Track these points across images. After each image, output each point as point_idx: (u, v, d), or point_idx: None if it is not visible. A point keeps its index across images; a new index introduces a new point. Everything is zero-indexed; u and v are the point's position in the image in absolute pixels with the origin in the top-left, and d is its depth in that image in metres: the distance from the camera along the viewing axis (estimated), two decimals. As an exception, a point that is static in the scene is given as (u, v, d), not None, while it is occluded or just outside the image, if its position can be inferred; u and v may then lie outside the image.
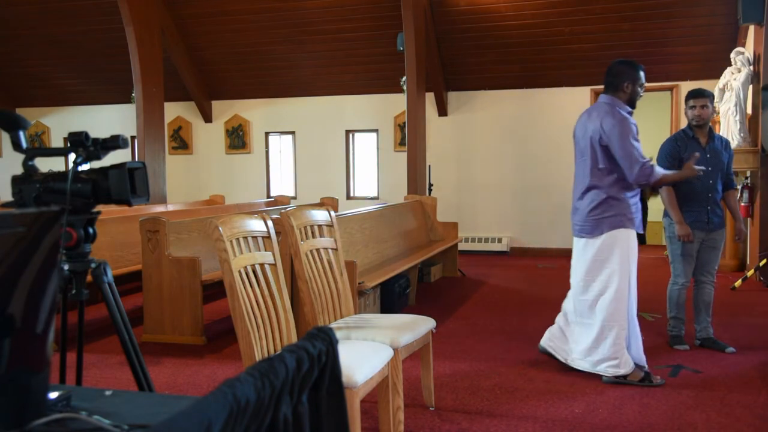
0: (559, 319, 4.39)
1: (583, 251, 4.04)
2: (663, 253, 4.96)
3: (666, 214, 4.65)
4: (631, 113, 3.94)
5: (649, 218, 9.09)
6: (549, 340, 4.43)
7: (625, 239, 3.89)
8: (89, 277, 2.06)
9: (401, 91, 9.28)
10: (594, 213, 3.91)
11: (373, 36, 9.52)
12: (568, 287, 4.31)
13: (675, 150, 4.54)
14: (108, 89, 11.30)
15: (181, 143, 11.55)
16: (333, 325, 3.26)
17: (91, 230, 2.02)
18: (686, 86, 9.15)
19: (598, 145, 3.85)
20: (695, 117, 4.57)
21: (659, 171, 3.89)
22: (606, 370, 3.95)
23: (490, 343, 4.93)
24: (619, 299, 3.90)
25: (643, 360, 3.97)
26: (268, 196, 10.87)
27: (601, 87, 4.08)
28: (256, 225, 2.86)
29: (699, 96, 4.59)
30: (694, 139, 4.57)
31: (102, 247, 5.69)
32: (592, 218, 3.92)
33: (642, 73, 3.96)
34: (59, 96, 11.77)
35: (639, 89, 3.94)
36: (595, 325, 3.99)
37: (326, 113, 10.80)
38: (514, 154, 10.01)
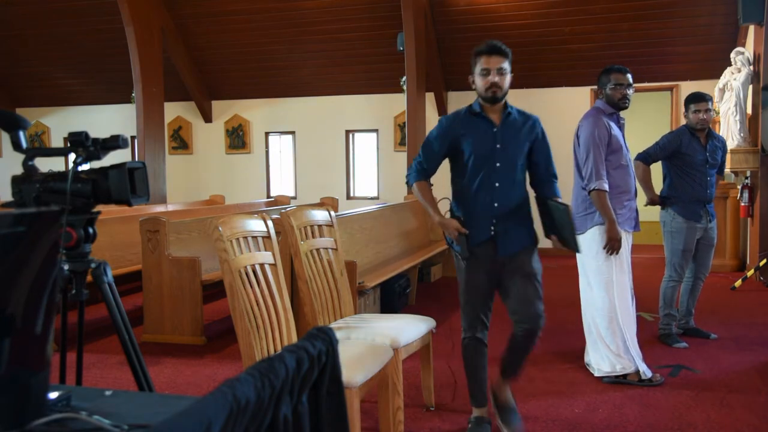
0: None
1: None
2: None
3: (664, 208, 4.75)
4: (615, 114, 3.99)
5: (642, 218, 9.09)
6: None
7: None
8: (89, 277, 2.06)
9: (401, 91, 9.28)
10: (580, 210, 3.99)
11: (372, 36, 9.52)
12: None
13: (674, 143, 4.70)
14: (108, 89, 11.30)
15: (181, 143, 11.55)
16: (333, 325, 3.26)
17: (91, 230, 2.02)
18: (686, 86, 9.14)
19: (577, 146, 4.01)
20: (700, 121, 4.67)
21: (605, 197, 3.82)
22: (605, 369, 3.96)
23: (490, 343, 4.90)
24: (613, 296, 3.90)
25: (639, 359, 3.95)
26: (268, 196, 10.87)
27: (601, 87, 4.13)
28: (256, 225, 2.86)
29: (701, 100, 4.69)
30: (695, 138, 4.72)
31: (102, 247, 5.68)
32: (579, 215, 4.00)
33: (615, 75, 3.92)
34: (59, 96, 11.77)
35: (613, 91, 3.93)
36: (593, 324, 4.00)
37: (326, 113, 10.80)
38: (514, 154, 10.01)
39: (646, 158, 4.76)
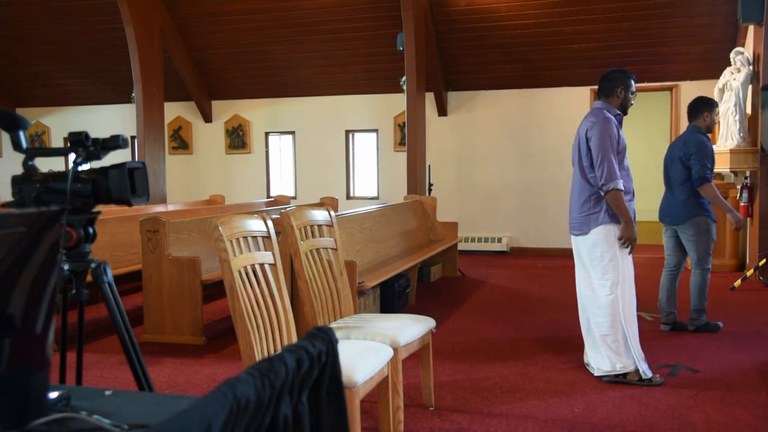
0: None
1: (577, 249, 4.09)
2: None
3: (700, 212, 4.89)
4: (620, 117, 4.04)
5: (638, 218, 9.08)
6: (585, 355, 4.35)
7: (615, 234, 3.91)
8: (89, 277, 2.06)
9: (401, 91, 9.28)
10: (584, 210, 3.98)
11: (373, 36, 9.52)
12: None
13: (710, 148, 4.94)
14: (108, 89, 11.30)
15: (181, 143, 11.55)
16: (333, 325, 3.26)
17: (91, 230, 2.02)
18: (686, 86, 9.16)
19: (585, 146, 3.96)
20: (714, 124, 5.06)
21: (622, 196, 3.85)
22: (605, 368, 3.96)
23: (490, 342, 4.93)
24: (617, 296, 3.90)
25: (641, 359, 3.95)
26: (268, 196, 10.87)
27: (602, 87, 4.14)
28: (256, 225, 2.86)
29: (717, 104, 5.10)
30: (709, 140, 5.03)
31: (102, 247, 5.68)
32: (582, 215, 3.99)
33: (633, 82, 4.09)
34: (59, 96, 11.77)
35: (630, 96, 4.08)
36: (594, 324, 4.00)
37: (326, 113, 10.80)
38: (514, 153, 10.02)
39: (709, 177, 4.84)
